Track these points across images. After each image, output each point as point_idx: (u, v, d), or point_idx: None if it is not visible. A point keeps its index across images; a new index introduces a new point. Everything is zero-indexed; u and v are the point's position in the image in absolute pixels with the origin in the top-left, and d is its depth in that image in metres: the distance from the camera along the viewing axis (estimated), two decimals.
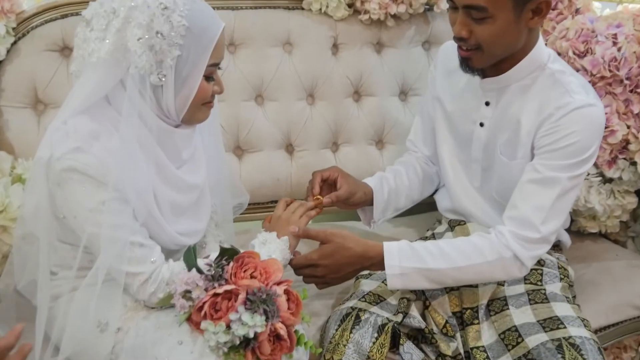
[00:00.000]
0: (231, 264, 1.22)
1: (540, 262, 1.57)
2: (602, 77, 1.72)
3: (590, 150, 1.40)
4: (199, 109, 1.32)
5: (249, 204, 1.78)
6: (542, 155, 1.42)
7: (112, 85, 1.25)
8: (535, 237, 1.38)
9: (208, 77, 1.30)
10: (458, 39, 1.41)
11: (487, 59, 1.43)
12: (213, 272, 1.20)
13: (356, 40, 1.97)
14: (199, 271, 1.21)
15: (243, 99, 1.90)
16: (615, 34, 1.73)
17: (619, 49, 1.71)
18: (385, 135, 2.04)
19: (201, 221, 1.46)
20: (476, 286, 1.47)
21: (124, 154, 1.24)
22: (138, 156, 1.27)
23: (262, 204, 1.98)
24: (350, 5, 1.92)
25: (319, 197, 1.58)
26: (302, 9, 1.93)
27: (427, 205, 1.91)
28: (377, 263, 1.41)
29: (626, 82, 1.70)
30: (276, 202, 1.93)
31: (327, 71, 1.96)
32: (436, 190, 1.82)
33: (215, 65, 1.30)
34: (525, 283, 1.52)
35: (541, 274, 1.54)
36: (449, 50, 1.63)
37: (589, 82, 1.60)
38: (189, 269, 1.23)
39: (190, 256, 1.24)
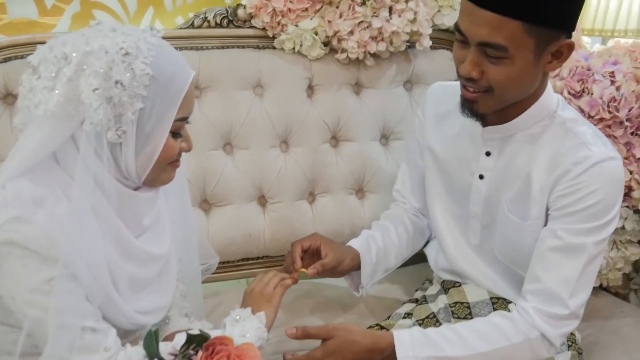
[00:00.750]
0: (200, 353, 1.03)
1: None
2: (602, 119, 1.59)
3: (615, 210, 1.26)
4: (163, 169, 1.15)
5: (219, 263, 1.59)
6: (563, 219, 1.26)
7: (61, 141, 1.07)
8: (564, 313, 1.23)
9: (175, 133, 1.12)
10: (466, 79, 1.24)
11: (495, 104, 1.27)
12: None
13: (333, 81, 1.82)
14: None
15: (210, 148, 1.73)
16: (613, 72, 1.61)
17: (617, 88, 1.59)
18: (366, 183, 1.88)
19: (165, 296, 1.28)
20: None
21: (74, 224, 1.05)
22: (92, 226, 1.08)
23: (233, 262, 1.81)
24: (326, 44, 1.78)
25: (302, 269, 1.41)
26: (274, 48, 1.78)
27: (414, 257, 1.74)
28: (389, 355, 1.24)
29: (627, 123, 1.58)
30: (248, 260, 1.83)
31: (302, 115, 1.80)
32: (427, 243, 1.66)
33: (183, 120, 1.13)
34: None
35: None
36: (439, 94, 1.49)
37: None
38: (150, 358, 1.05)
39: (151, 344, 1.05)
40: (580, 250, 1.24)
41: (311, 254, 1.46)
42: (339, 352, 1.24)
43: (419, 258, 1.73)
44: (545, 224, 1.30)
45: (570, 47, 1.20)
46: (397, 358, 1.22)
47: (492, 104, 1.27)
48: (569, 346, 1.40)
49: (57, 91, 1.03)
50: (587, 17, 2.38)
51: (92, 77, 1.02)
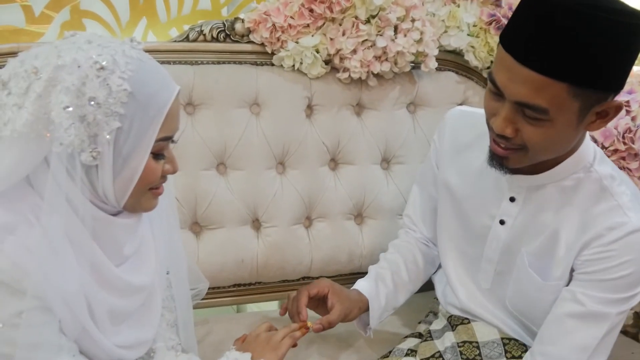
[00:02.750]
0: None
1: None
2: (616, 150, 1.52)
3: None
4: (144, 194, 1.05)
5: (209, 288, 1.53)
6: (587, 284, 1.17)
7: (33, 164, 0.98)
8: None
9: (157, 154, 1.03)
10: (498, 135, 1.12)
11: (528, 161, 1.16)
12: None
13: (333, 102, 1.74)
14: None
15: (202, 168, 1.65)
16: (628, 102, 1.54)
17: (633, 119, 1.52)
18: (366, 209, 1.79)
19: (148, 329, 1.19)
20: None
21: (45, 251, 0.96)
22: (65, 252, 0.99)
23: (224, 288, 1.72)
24: (327, 62, 1.70)
25: (306, 323, 1.32)
26: (273, 64, 1.69)
27: None
28: None
29: None
30: (239, 285, 1.74)
31: (300, 136, 1.72)
32: (435, 270, 1.58)
33: (167, 140, 1.03)
34: None
35: None
36: (459, 122, 1.40)
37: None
38: None
39: None
40: (602, 320, 1.16)
41: (317, 300, 1.39)
42: None
43: (424, 286, 1.65)
44: (567, 284, 1.22)
45: (618, 108, 1.09)
46: None
47: (525, 162, 1.16)
48: None
49: (25, 109, 0.94)
50: None
51: (63, 94, 0.93)
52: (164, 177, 1.07)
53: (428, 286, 1.60)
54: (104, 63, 0.94)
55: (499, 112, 1.10)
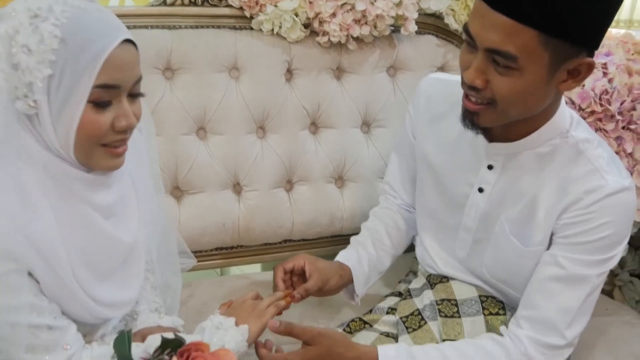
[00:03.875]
0: (174, 359, 0.96)
1: None
2: (593, 112, 1.53)
3: (624, 243, 1.19)
4: (94, 149, 1.02)
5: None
6: (568, 247, 1.19)
7: None
8: (560, 344, 1.18)
9: (98, 104, 0.99)
10: (469, 87, 1.11)
11: (497, 119, 1.15)
12: None
13: (313, 65, 1.74)
14: None
15: (182, 133, 1.64)
16: (605, 64, 1.55)
17: (610, 81, 1.54)
18: (346, 171, 1.80)
19: (131, 288, 1.19)
20: None
21: (13, 204, 0.96)
22: (33, 203, 0.98)
23: (206, 252, 1.73)
24: (306, 26, 1.69)
25: (287, 291, 1.33)
26: (252, 29, 1.68)
27: None
28: None
29: (618, 117, 1.53)
30: (221, 249, 1.75)
31: (280, 100, 1.71)
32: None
33: (108, 88, 0.99)
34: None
35: None
36: (434, 90, 1.39)
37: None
38: None
39: (122, 346, 0.97)
40: (583, 281, 1.18)
41: (299, 275, 1.38)
42: None
43: None
44: (547, 248, 1.23)
45: (590, 67, 1.08)
46: None
47: (494, 118, 1.15)
48: None
49: None
50: None
51: None
52: (119, 133, 1.03)
53: (408, 247, 1.62)
54: (38, 11, 0.94)
55: (471, 63, 1.09)
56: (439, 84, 1.39)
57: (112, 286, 1.14)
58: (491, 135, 1.24)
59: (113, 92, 1.00)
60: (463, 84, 1.14)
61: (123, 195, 1.15)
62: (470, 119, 1.17)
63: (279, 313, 1.26)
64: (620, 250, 1.19)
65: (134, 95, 1.04)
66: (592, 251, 1.17)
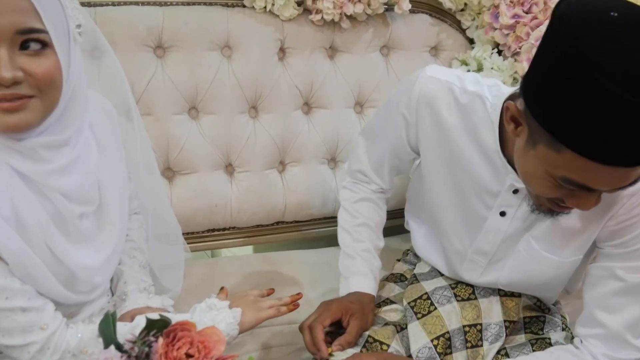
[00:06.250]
0: (160, 340, 0.95)
1: (542, 309, 1.35)
2: None
3: None
4: None
5: (183, 234, 1.49)
6: (621, 256, 1.13)
7: None
8: (633, 357, 1.16)
9: None
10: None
11: None
12: (137, 350, 0.93)
13: (306, 44, 1.71)
14: (119, 348, 0.94)
15: (174, 112, 1.62)
16: None
17: None
18: (339, 152, 1.79)
19: (105, 250, 1.15)
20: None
21: None
22: None
23: (197, 233, 1.72)
24: (299, 4, 1.67)
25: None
26: (244, 6, 1.66)
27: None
28: None
29: None
30: (213, 231, 1.73)
31: (273, 79, 1.69)
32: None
33: None
34: (526, 332, 1.31)
35: (543, 322, 1.32)
36: (436, 91, 1.24)
37: None
38: (106, 345, 0.95)
39: (107, 327, 0.96)
40: None
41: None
42: None
43: (394, 230, 1.68)
44: (587, 254, 1.20)
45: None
46: None
47: None
48: (563, 329, 1.34)
49: None
50: None
51: None
52: (1, 87, 0.92)
53: (397, 230, 1.60)
54: None
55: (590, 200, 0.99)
56: (441, 85, 1.24)
57: (86, 250, 1.11)
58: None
59: None
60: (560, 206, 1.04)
61: (77, 157, 1.09)
62: (558, 213, 1.09)
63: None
64: None
65: (24, 46, 0.93)
66: None
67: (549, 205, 1.05)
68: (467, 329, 1.27)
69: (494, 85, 1.19)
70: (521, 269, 1.25)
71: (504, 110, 1.03)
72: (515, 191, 1.18)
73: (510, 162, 1.14)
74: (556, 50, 0.88)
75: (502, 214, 1.21)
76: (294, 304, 1.28)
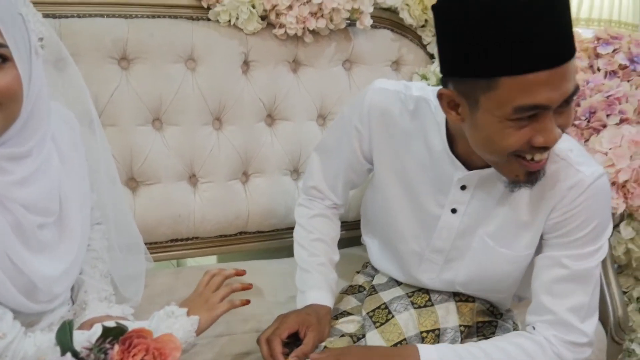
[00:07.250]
0: (116, 347, 0.96)
1: (494, 314, 1.39)
2: None
3: (610, 225, 1.22)
4: None
5: (146, 244, 1.50)
6: (565, 246, 1.19)
7: None
8: (582, 340, 1.20)
9: None
10: (544, 148, 1.04)
11: None
12: (93, 357, 0.95)
13: (270, 58, 1.75)
14: (76, 355, 0.95)
15: (138, 123, 1.64)
16: None
17: None
18: (302, 164, 1.82)
19: (66, 259, 1.17)
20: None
21: None
22: None
23: (161, 243, 1.72)
24: (263, 18, 1.70)
25: (246, 285, 1.31)
26: (209, 19, 1.68)
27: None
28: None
29: None
30: (177, 241, 1.74)
31: (237, 92, 1.72)
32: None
33: None
34: (479, 336, 1.36)
35: (495, 327, 1.37)
36: (387, 103, 1.30)
37: None
38: (63, 352, 0.97)
39: (64, 336, 0.98)
40: (587, 276, 1.20)
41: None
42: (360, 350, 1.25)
43: (350, 241, 1.72)
44: (537, 250, 1.25)
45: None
46: None
47: None
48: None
49: None
50: None
51: None
52: None
53: (357, 241, 1.63)
54: None
55: (549, 126, 1.01)
56: (390, 95, 1.30)
57: (49, 259, 1.13)
58: (470, 166, 1.21)
59: None
60: (537, 147, 1.05)
61: (39, 169, 1.11)
62: (536, 177, 1.12)
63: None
64: (609, 233, 1.21)
65: None
66: (587, 243, 1.18)
67: (520, 168, 1.09)
68: (424, 334, 1.30)
69: (437, 89, 1.24)
70: (477, 265, 1.30)
71: (440, 100, 1.09)
72: (463, 187, 1.24)
73: (460, 159, 1.20)
74: (448, 21, 1.01)
75: (454, 211, 1.27)
76: (246, 299, 1.29)
